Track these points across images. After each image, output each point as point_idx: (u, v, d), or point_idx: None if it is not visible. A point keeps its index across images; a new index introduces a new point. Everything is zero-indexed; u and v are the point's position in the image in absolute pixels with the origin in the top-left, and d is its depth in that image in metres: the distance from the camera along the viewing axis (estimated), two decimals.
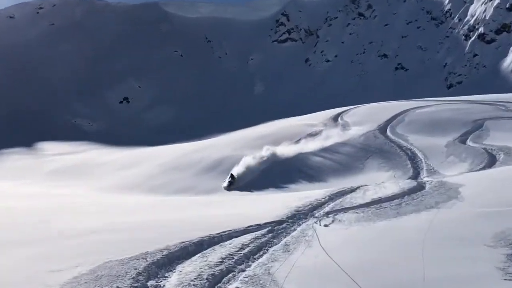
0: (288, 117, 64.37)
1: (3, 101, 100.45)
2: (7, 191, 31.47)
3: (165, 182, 34.36)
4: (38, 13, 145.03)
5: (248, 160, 33.50)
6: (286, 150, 36.06)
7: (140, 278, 8.91)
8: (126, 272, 9.04)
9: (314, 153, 36.80)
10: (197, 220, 15.10)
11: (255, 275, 9.72)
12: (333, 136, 40.63)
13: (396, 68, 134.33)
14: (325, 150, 37.64)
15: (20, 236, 12.58)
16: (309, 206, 16.96)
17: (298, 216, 15.37)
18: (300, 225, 14.36)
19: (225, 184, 31.23)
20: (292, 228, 13.93)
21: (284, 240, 12.72)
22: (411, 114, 47.53)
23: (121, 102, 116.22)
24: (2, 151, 69.50)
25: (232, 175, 31.44)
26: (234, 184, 30.90)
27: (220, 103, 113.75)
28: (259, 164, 33.28)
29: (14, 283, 8.34)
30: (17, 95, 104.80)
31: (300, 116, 59.04)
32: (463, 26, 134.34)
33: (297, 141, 40.48)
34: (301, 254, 11.37)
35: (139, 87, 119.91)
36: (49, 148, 73.60)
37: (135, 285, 8.55)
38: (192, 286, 8.76)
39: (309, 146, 37.85)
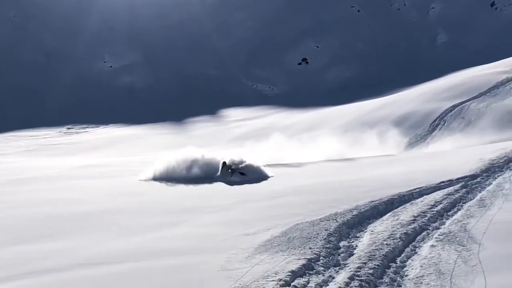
0: (476, 66, 61.00)
1: (183, 72, 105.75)
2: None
3: (350, 142, 34.20)
4: None
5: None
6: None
7: (332, 239, 8.97)
8: (317, 234, 9.16)
9: None
10: (384, 178, 14.87)
11: (450, 233, 9.37)
12: None
13: None
14: None
15: (214, 202, 13.30)
16: (505, 158, 15.99)
17: (493, 170, 14.59)
18: (495, 178, 13.64)
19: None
20: (487, 182, 13.27)
21: (479, 195, 12.14)
22: None
23: (299, 63, 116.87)
24: (188, 120, 73.51)
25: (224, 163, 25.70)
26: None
27: (401, 57, 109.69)
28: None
29: (213, 247, 8.83)
30: (197, 64, 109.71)
31: (489, 64, 55.60)
32: None
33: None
34: (499, 209, 10.78)
35: (317, 47, 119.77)
36: (232, 114, 76.24)
37: (327, 245, 8.60)
38: (385, 245, 8.62)
39: None
